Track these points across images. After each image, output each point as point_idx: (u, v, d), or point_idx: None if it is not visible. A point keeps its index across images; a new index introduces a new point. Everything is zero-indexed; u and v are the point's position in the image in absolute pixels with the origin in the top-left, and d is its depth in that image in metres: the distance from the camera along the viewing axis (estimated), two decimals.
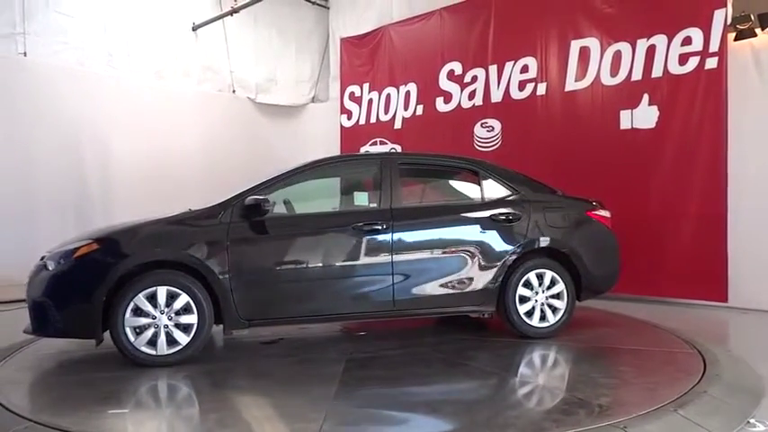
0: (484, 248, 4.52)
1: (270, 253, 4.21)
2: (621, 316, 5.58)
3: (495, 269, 4.51)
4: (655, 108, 6.34)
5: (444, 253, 4.49)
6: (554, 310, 4.63)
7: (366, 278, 4.36)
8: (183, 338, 3.92)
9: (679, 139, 6.20)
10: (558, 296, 4.64)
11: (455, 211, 4.71)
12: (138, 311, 3.87)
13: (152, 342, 3.87)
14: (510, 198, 4.72)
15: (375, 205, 4.57)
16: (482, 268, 4.50)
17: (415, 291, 4.41)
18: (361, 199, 5.05)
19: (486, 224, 4.56)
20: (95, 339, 3.92)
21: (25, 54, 7.39)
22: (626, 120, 6.53)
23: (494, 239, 4.55)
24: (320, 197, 4.93)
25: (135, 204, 7.46)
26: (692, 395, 3.19)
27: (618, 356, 4.31)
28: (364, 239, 4.31)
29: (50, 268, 3.91)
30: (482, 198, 4.73)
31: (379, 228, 4.32)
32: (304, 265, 4.26)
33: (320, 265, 4.29)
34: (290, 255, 4.27)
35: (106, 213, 7.79)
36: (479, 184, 4.76)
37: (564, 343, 4.47)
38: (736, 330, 5.59)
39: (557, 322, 4.62)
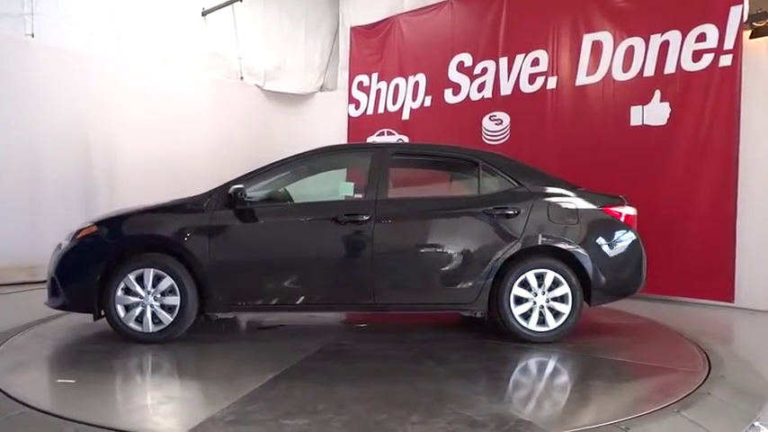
0: (474, 244, 4.33)
1: (249, 241, 4.32)
2: (637, 318, 5.29)
3: (486, 267, 4.27)
4: (666, 105, 6.25)
5: (429, 247, 4.35)
6: (556, 313, 4.30)
7: (344, 269, 4.33)
8: (166, 318, 4.16)
9: (690, 136, 6.11)
10: (562, 299, 4.30)
11: (444, 204, 4.60)
12: (129, 291, 4.16)
13: (139, 320, 4.17)
14: (509, 191, 4.48)
15: (361, 196, 4.51)
16: (471, 265, 4.30)
17: (397, 285, 4.34)
18: (347, 189, 5.02)
19: (478, 218, 4.36)
20: (93, 314, 4.20)
21: (33, 35, 7.34)
22: (637, 116, 6.44)
23: (485, 235, 4.34)
24: (309, 187, 4.86)
25: (140, 189, 7.45)
26: (696, 396, 3.16)
27: (606, 369, 3.81)
28: (345, 230, 4.26)
29: (62, 247, 4.32)
30: (478, 191, 4.57)
31: (361, 219, 4.26)
32: (282, 254, 4.33)
33: (298, 254, 4.33)
34: (268, 243, 4.35)
35: (112, 197, 7.80)
36: (478, 176, 4.58)
37: (558, 351, 4.12)
38: (742, 331, 5.53)
39: (557, 327, 4.28)
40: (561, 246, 4.35)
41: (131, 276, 4.14)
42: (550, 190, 4.52)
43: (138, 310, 4.15)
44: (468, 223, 4.40)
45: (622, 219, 4.49)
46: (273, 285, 4.34)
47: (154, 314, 4.16)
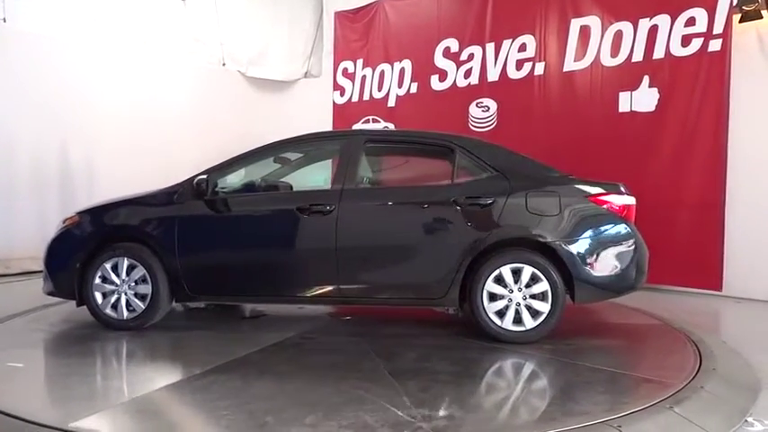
0: (443, 236, 4.08)
1: (213, 231, 4.34)
2: (623, 307, 5.00)
3: (456, 261, 3.98)
4: (655, 91, 6.18)
5: (395, 239, 4.13)
6: (535, 312, 3.92)
7: (308, 261, 4.23)
8: (139, 306, 4.27)
9: (679, 123, 6.05)
10: (542, 296, 3.91)
11: (414, 194, 4.33)
12: (105, 279, 4.29)
13: (115, 307, 4.30)
14: (485, 179, 4.15)
15: (327, 186, 4.41)
16: (439, 259, 4.02)
17: (362, 278, 4.18)
18: (318, 179, 4.89)
19: (449, 208, 4.05)
20: (75, 301, 4.35)
21: (4, 20, 7.06)
22: (625, 102, 6.37)
23: (456, 226, 4.03)
24: (282, 177, 4.72)
25: (120, 178, 7.23)
26: (689, 391, 3.07)
27: (577, 373, 3.42)
28: (308, 221, 4.14)
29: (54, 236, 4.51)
30: (452, 179, 4.24)
31: (324, 210, 4.12)
32: (245, 246, 4.32)
33: (260, 245, 4.30)
34: (232, 234, 4.34)
35: (91, 188, 7.62)
36: (453, 164, 4.25)
37: (531, 351, 3.77)
38: (730, 320, 5.50)
39: (536, 326, 3.91)
40: (540, 239, 3.97)
41: (107, 265, 4.26)
42: (531, 178, 4.17)
43: (113, 298, 4.27)
44: (437, 214, 4.12)
45: (615, 209, 4.05)
46: (236, 277, 4.32)
47: (128, 302, 4.27)
